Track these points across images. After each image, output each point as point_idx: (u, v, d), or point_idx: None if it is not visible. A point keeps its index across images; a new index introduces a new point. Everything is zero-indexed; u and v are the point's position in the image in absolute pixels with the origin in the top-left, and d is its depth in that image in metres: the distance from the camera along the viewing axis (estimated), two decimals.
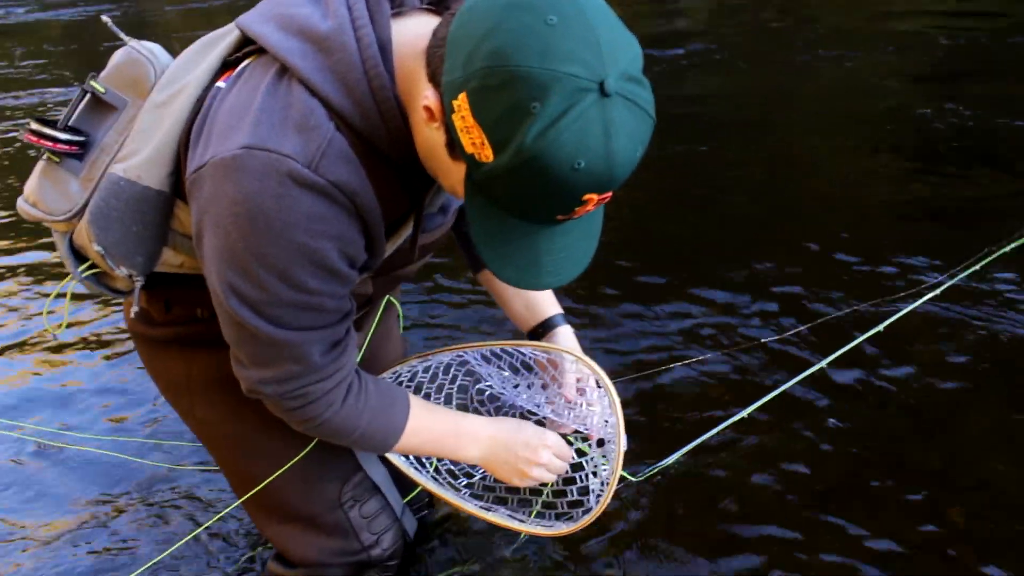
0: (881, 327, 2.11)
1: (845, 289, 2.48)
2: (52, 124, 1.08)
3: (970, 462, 1.81)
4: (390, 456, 1.39)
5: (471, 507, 1.38)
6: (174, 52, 1.11)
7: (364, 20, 0.92)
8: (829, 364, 2.03)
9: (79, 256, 1.13)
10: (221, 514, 1.56)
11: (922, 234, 2.93)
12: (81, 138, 1.08)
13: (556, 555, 1.66)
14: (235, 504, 1.40)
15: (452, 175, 0.91)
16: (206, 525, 1.67)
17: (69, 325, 2.74)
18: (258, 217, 0.89)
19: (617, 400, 1.23)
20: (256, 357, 1.03)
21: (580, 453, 1.33)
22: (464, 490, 1.42)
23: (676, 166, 3.71)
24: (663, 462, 1.66)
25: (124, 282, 1.13)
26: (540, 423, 1.32)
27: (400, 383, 1.44)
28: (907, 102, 4.22)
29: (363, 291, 1.16)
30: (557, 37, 0.76)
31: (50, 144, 1.07)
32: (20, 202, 1.13)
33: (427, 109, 0.87)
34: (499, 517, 1.37)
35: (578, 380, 1.33)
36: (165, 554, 1.63)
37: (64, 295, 1.28)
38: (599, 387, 1.29)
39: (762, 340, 2.25)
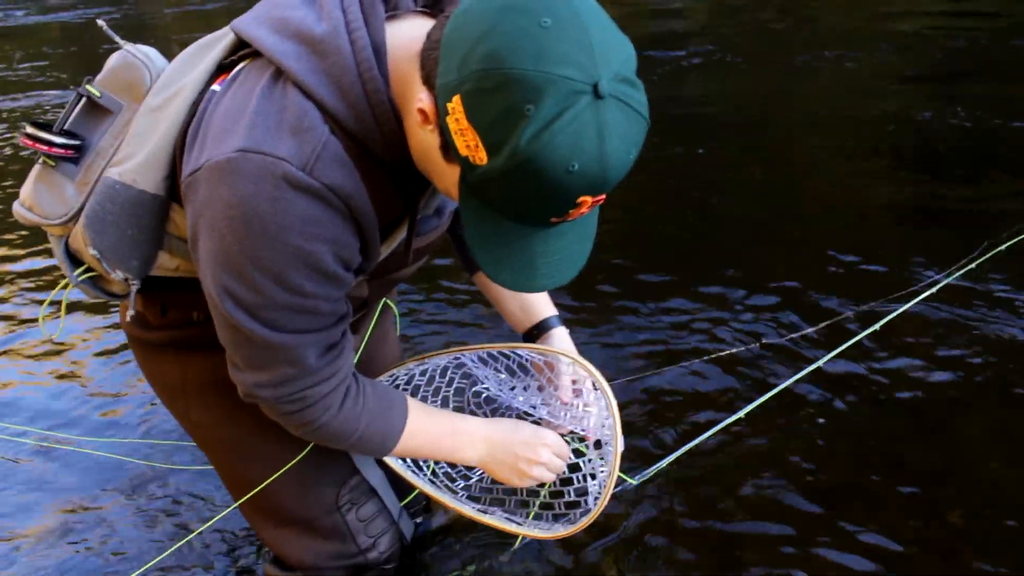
0: (877, 326, 2.12)
1: (843, 289, 2.48)
2: (48, 128, 1.08)
3: (969, 461, 1.81)
4: (387, 459, 1.39)
5: (468, 510, 1.37)
6: (173, 54, 1.11)
7: (358, 23, 0.92)
8: (826, 364, 2.04)
9: (75, 260, 1.13)
10: (217, 517, 1.55)
11: (920, 234, 2.94)
12: (77, 142, 1.08)
13: (555, 557, 1.66)
14: (232, 507, 1.40)
15: (446, 178, 0.91)
16: (202, 529, 1.67)
17: (65, 328, 2.74)
18: (253, 220, 0.89)
19: (614, 402, 1.23)
20: (252, 360, 1.03)
21: (577, 453, 1.33)
22: (461, 492, 1.42)
23: (675, 166, 3.71)
24: (661, 463, 1.66)
25: (120, 286, 1.13)
26: (537, 424, 1.32)
27: (397, 386, 1.44)
28: (906, 103, 4.22)
29: (358, 294, 1.15)
30: (551, 40, 0.76)
31: (46, 148, 1.07)
32: (16, 206, 1.13)
33: (421, 112, 0.87)
34: (496, 520, 1.36)
35: (574, 382, 1.33)
36: (160, 558, 1.63)
37: (58, 302, 1.28)
38: (596, 389, 1.29)
39: (759, 341, 2.25)
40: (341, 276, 0.98)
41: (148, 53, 1.11)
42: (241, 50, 1.03)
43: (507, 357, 1.38)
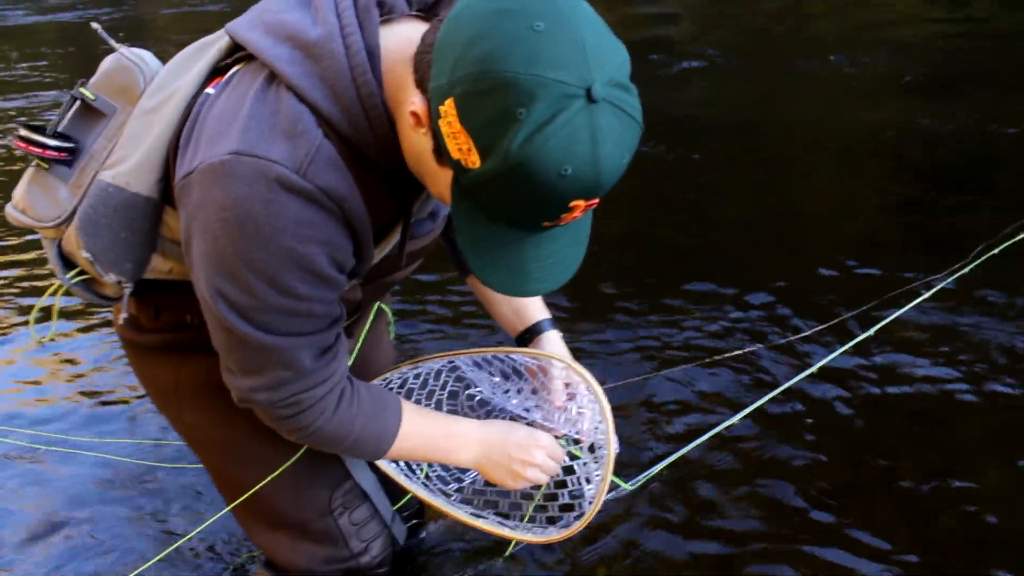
0: (872, 331, 2.12)
1: (839, 291, 2.49)
2: (41, 130, 1.08)
3: (966, 463, 1.81)
4: (380, 463, 1.38)
5: (461, 514, 1.37)
6: (171, 55, 1.11)
7: (353, 27, 0.92)
8: (822, 367, 2.04)
9: (68, 263, 1.13)
10: (210, 520, 1.55)
11: (916, 237, 2.94)
12: (70, 145, 1.08)
13: (548, 561, 1.66)
14: (224, 511, 1.39)
15: (439, 181, 0.91)
16: (194, 532, 1.66)
17: (56, 329, 2.73)
18: (247, 222, 0.89)
19: (607, 406, 1.23)
20: (246, 364, 1.03)
21: (571, 456, 1.33)
22: (455, 495, 1.42)
23: (671, 169, 3.71)
24: (655, 468, 1.65)
25: (113, 289, 1.13)
26: (531, 427, 1.32)
27: (390, 390, 1.43)
28: (903, 108, 4.23)
29: (352, 297, 1.15)
30: (544, 43, 0.76)
31: (39, 151, 1.08)
32: (9, 208, 1.13)
33: (414, 115, 0.87)
34: (490, 524, 1.36)
35: (567, 385, 1.33)
36: (152, 562, 1.62)
37: (50, 304, 1.28)
38: (589, 392, 1.29)
39: (755, 344, 2.26)
40: (335, 278, 0.98)
41: (142, 56, 1.11)
42: (235, 53, 1.03)
43: (501, 361, 1.38)
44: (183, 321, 1.19)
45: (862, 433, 1.93)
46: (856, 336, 2.15)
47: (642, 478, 1.62)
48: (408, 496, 1.53)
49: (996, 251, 2.40)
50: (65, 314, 2.83)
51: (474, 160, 0.81)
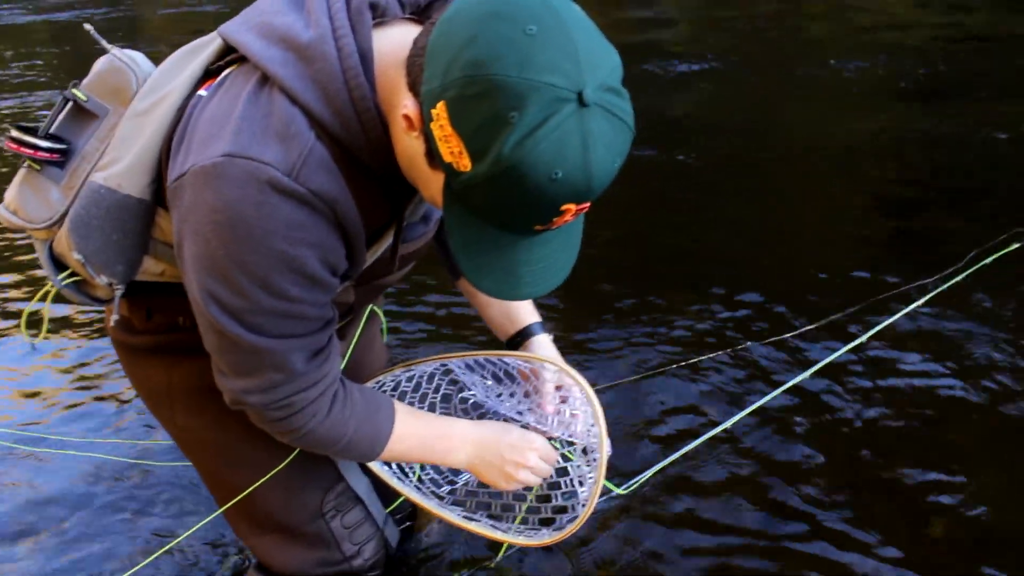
0: (864, 337, 2.14)
1: (834, 296, 2.49)
2: (33, 132, 1.08)
3: (962, 467, 1.82)
4: (372, 465, 1.38)
5: (454, 517, 1.37)
6: (166, 56, 1.11)
7: (345, 30, 0.92)
8: (816, 372, 2.04)
9: (59, 264, 1.13)
10: (202, 523, 1.54)
11: (912, 243, 2.95)
12: (62, 146, 1.08)
13: (542, 564, 1.65)
14: (216, 513, 1.39)
15: (431, 184, 0.91)
16: (185, 535, 1.66)
17: (49, 329, 2.72)
18: (238, 224, 0.89)
19: (600, 409, 1.23)
20: (238, 366, 1.03)
21: (564, 458, 1.33)
22: (448, 497, 1.42)
23: (666, 173, 3.71)
24: (649, 472, 1.66)
25: (104, 291, 1.12)
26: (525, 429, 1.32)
27: (383, 392, 1.43)
28: (900, 113, 4.25)
29: (345, 300, 1.15)
30: (536, 47, 0.76)
31: (31, 152, 1.07)
32: (0, 209, 1.13)
33: (406, 118, 0.87)
34: (482, 527, 1.36)
35: (559, 388, 1.33)
36: (143, 564, 1.61)
37: (41, 307, 1.27)
38: (582, 395, 1.29)
39: (749, 348, 2.26)
40: (326, 281, 0.98)
41: (135, 57, 1.11)
42: (228, 55, 1.03)
43: (494, 364, 1.38)
44: (175, 323, 1.19)
45: (856, 438, 1.94)
46: (851, 337, 2.16)
47: (635, 482, 1.62)
48: (401, 499, 1.52)
49: (988, 261, 2.42)
50: (55, 315, 2.82)
51: (466, 164, 0.81)
